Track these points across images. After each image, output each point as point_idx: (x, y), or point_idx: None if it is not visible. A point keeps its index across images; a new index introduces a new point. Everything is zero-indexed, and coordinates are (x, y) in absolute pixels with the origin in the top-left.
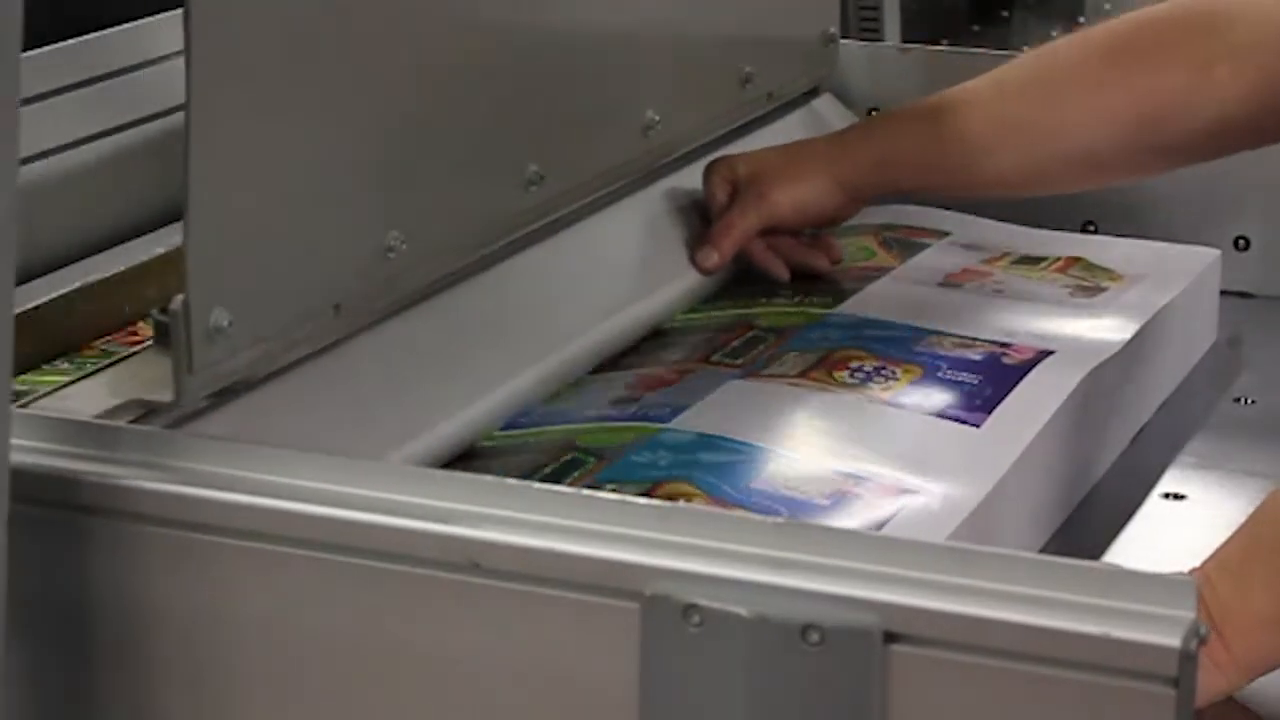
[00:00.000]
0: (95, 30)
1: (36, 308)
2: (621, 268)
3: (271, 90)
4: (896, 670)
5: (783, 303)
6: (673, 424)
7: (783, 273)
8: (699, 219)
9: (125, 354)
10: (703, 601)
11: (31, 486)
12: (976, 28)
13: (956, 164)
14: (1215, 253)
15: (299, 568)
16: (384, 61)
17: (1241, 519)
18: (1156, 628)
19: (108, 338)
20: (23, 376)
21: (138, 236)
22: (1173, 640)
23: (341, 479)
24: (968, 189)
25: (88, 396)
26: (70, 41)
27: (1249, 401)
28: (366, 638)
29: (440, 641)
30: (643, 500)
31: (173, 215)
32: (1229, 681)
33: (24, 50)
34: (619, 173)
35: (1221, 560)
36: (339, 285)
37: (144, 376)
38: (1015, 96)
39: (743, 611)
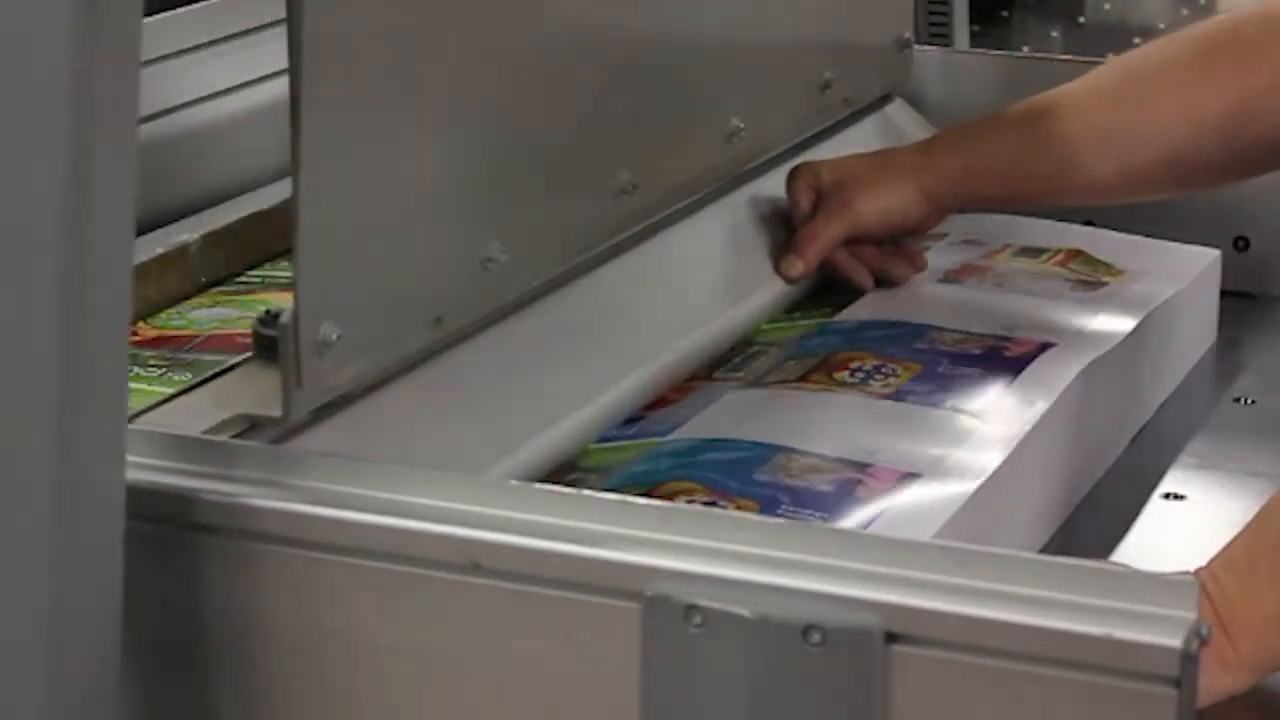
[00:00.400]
0: None
1: None
2: (709, 276)
3: (378, 105)
4: (898, 670)
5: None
6: (673, 435)
7: (867, 281)
8: (781, 226)
9: (224, 365)
10: (704, 602)
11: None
12: (976, 28)
13: (1049, 171)
14: (1215, 253)
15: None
16: (484, 73)
17: (1242, 519)
18: (1158, 628)
19: None
20: None
21: (137, 236)
22: (1174, 641)
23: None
24: (1059, 196)
25: (192, 411)
26: None
27: (1249, 402)
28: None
29: (440, 642)
30: (643, 500)
31: (172, 215)
32: (1235, 681)
33: None
34: (704, 180)
35: (1228, 559)
36: (441, 297)
37: (248, 390)
38: (1108, 101)
39: (744, 612)
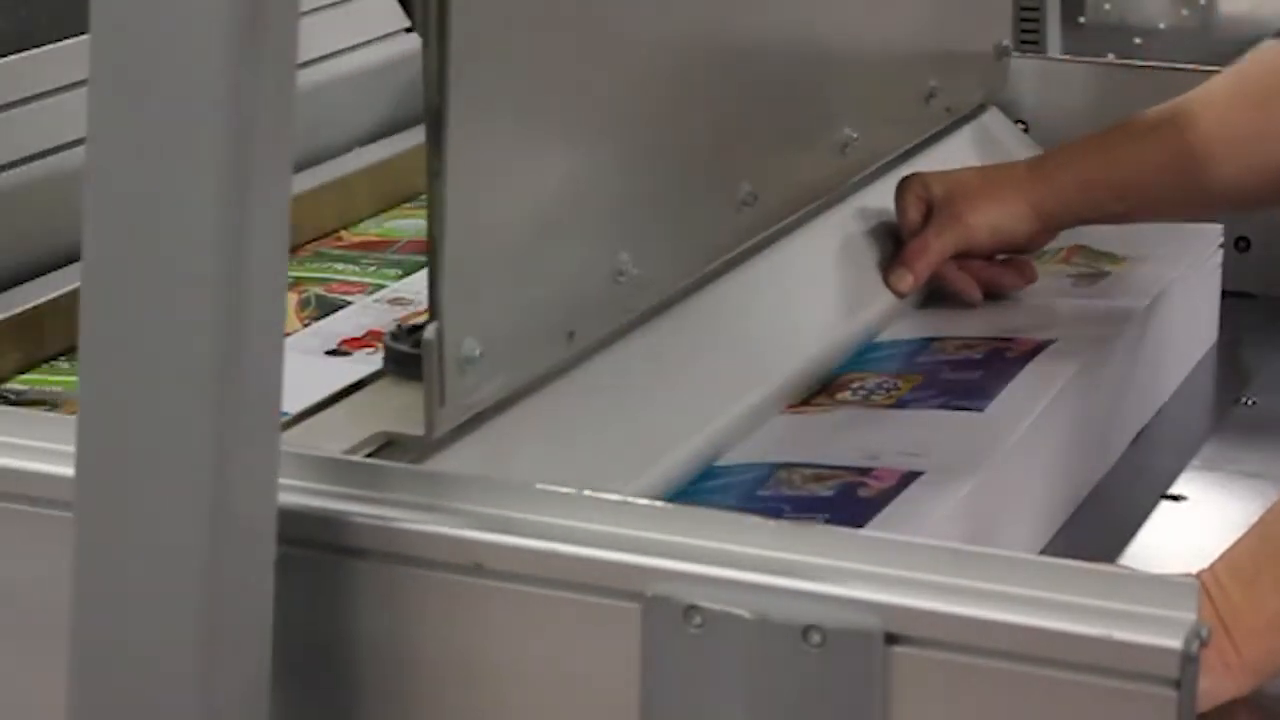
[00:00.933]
0: None
1: (36, 308)
2: (824, 289)
3: (516, 116)
4: (898, 672)
5: None
6: None
7: (976, 295)
8: (889, 238)
9: (355, 381)
10: (704, 603)
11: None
12: None
13: (1170, 181)
14: (1217, 228)
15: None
16: (615, 83)
17: (1242, 520)
18: (1158, 629)
19: None
20: (23, 376)
21: None
22: (1174, 642)
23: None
24: (1179, 208)
25: (328, 429)
26: (82, 38)
27: (1250, 403)
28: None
29: (441, 642)
30: (643, 501)
31: None
32: (1238, 685)
33: (37, 47)
34: (818, 191)
35: (1231, 562)
36: (574, 311)
37: (386, 407)
38: (1225, 107)
39: (744, 613)
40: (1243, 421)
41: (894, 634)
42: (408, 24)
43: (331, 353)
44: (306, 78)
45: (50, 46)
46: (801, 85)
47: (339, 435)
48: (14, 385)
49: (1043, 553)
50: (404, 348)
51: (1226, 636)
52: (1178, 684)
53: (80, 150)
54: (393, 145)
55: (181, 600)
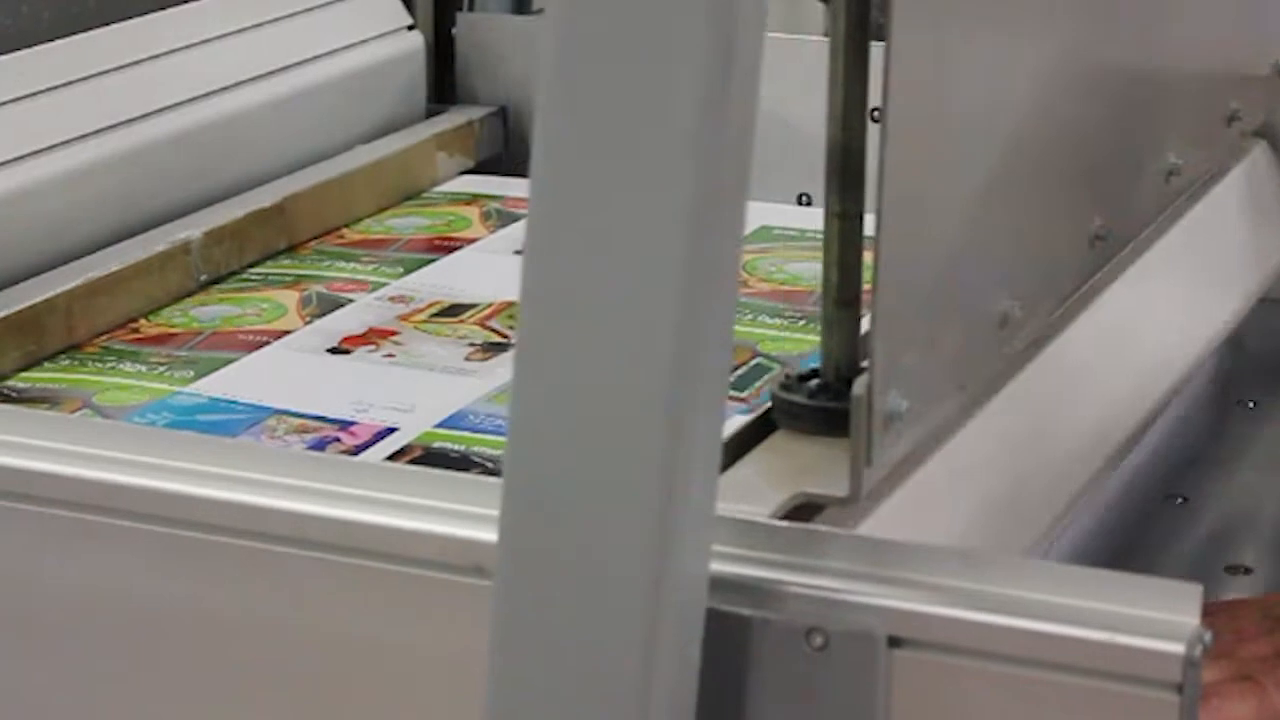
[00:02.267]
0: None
1: (35, 306)
2: (1163, 324)
3: (934, 162)
4: (900, 675)
5: None
6: None
7: None
8: (1212, 267)
9: (735, 433)
10: (706, 602)
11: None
12: None
13: None
14: None
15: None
16: (1007, 125)
17: (1244, 521)
18: (1160, 633)
19: (107, 336)
20: (23, 375)
21: (137, 234)
22: (1177, 646)
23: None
24: None
25: (739, 489)
26: (77, 37)
27: (1251, 404)
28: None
29: (443, 643)
30: None
31: (173, 214)
32: None
33: (31, 45)
34: (1148, 222)
35: None
36: (967, 360)
37: (791, 464)
38: None
39: (746, 613)
40: (1244, 423)
41: (897, 637)
42: (409, 22)
43: (333, 350)
44: (307, 77)
45: (50, 44)
46: (1135, 114)
47: (754, 496)
48: (14, 383)
49: (1043, 555)
50: (797, 399)
51: None
52: (1180, 688)
53: (80, 148)
54: (392, 144)
55: (613, 677)
